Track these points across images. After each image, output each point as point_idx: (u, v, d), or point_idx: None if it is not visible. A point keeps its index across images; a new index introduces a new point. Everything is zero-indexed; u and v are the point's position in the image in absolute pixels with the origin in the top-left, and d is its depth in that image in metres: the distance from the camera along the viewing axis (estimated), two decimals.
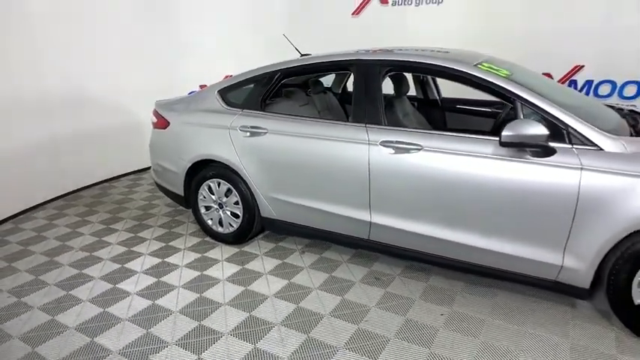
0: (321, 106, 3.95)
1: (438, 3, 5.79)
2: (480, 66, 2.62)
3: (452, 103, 4.01)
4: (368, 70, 2.86)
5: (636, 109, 3.05)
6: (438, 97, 4.06)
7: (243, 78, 3.35)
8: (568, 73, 5.37)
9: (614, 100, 5.21)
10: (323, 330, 2.47)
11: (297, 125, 3.04)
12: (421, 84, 4.03)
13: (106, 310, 2.72)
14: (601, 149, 2.24)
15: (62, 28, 4.49)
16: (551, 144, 2.30)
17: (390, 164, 2.68)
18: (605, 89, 5.24)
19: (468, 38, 5.53)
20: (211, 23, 6.05)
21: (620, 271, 2.24)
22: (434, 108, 4.02)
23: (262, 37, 6.09)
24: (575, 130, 2.30)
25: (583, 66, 5.27)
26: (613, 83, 5.18)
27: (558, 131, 2.32)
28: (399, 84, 3.51)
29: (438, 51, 3.03)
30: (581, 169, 2.23)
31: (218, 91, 3.42)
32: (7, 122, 4.09)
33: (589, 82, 5.32)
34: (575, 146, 2.29)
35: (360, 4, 6.13)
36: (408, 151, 2.63)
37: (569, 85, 5.42)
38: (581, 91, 5.36)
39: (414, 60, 2.79)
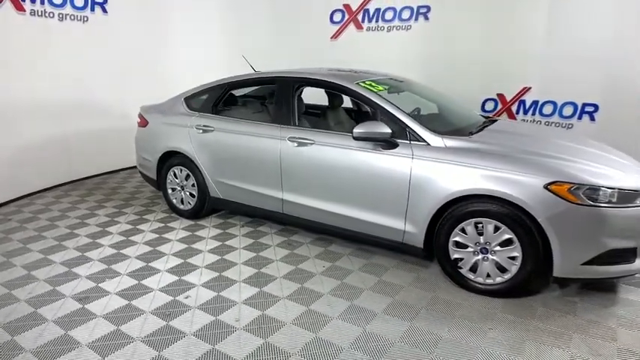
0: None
1: (407, 29, 6.89)
2: (360, 83, 3.73)
3: None
4: (284, 84, 4.02)
5: (495, 118, 4.09)
6: (370, 110, 5.13)
7: (202, 88, 4.56)
8: (518, 94, 6.30)
9: (555, 119, 6.10)
10: (232, 272, 3.57)
11: (235, 124, 4.21)
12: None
13: (84, 254, 3.92)
14: (428, 144, 3.29)
15: (76, 45, 5.88)
16: (397, 140, 3.37)
17: (294, 154, 3.80)
18: (548, 109, 6.13)
19: (432, 60, 6.62)
20: (203, 46, 7.48)
21: (441, 233, 3.24)
22: (367, 119, 5.09)
23: (246, 54, 7.28)
24: (412, 130, 3.35)
25: (530, 87, 6.18)
26: (554, 104, 6.07)
27: (402, 130, 3.38)
28: (332, 98, 4.61)
29: (343, 71, 4.19)
30: (413, 158, 3.28)
31: (184, 98, 4.65)
32: (27, 120, 5.44)
33: (535, 102, 6.22)
34: (411, 142, 3.34)
35: (338, 29, 7.33)
36: (305, 144, 3.74)
37: (519, 105, 6.36)
38: (528, 110, 6.28)
39: (313, 77, 3.94)
